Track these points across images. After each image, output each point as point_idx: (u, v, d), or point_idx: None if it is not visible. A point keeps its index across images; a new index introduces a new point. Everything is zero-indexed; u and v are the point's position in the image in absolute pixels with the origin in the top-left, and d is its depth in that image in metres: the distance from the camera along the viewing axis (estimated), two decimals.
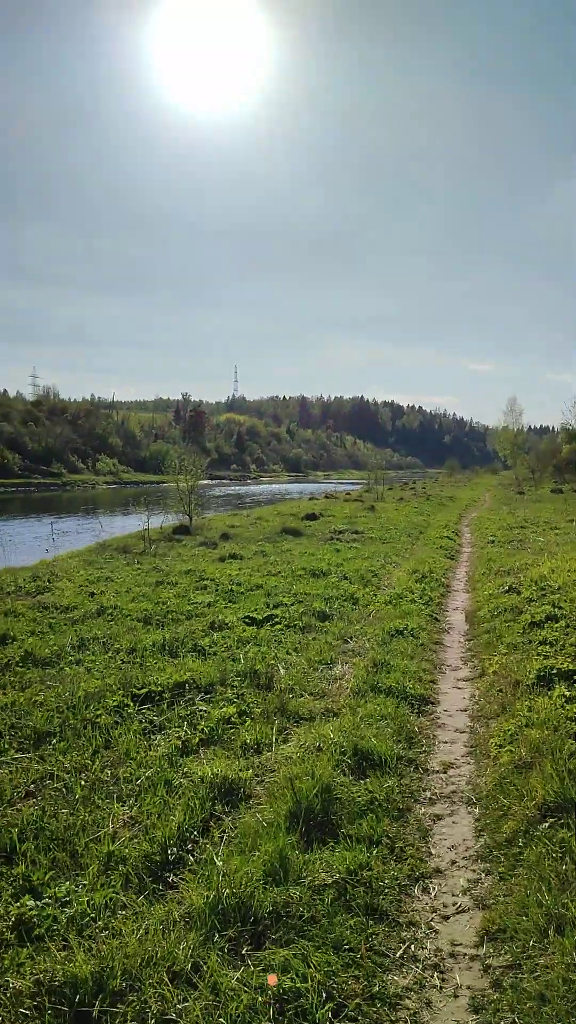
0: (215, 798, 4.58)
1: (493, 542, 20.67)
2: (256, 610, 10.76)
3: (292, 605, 11.14)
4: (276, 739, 5.68)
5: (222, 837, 4.11)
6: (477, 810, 4.62)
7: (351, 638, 9.53)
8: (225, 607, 11.30)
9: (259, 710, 6.33)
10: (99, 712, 6.17)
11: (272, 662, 8.00)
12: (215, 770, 4.87)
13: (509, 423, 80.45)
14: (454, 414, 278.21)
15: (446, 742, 5.91)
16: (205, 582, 13.53)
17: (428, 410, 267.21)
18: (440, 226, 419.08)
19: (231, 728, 5.93)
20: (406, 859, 4.04)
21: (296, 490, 73.96)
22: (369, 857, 3.90)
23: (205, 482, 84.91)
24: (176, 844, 4.01)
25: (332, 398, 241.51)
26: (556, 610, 9.58)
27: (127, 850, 3.94)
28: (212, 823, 4.30)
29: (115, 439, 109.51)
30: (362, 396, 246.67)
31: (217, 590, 12.73)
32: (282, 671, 7.75)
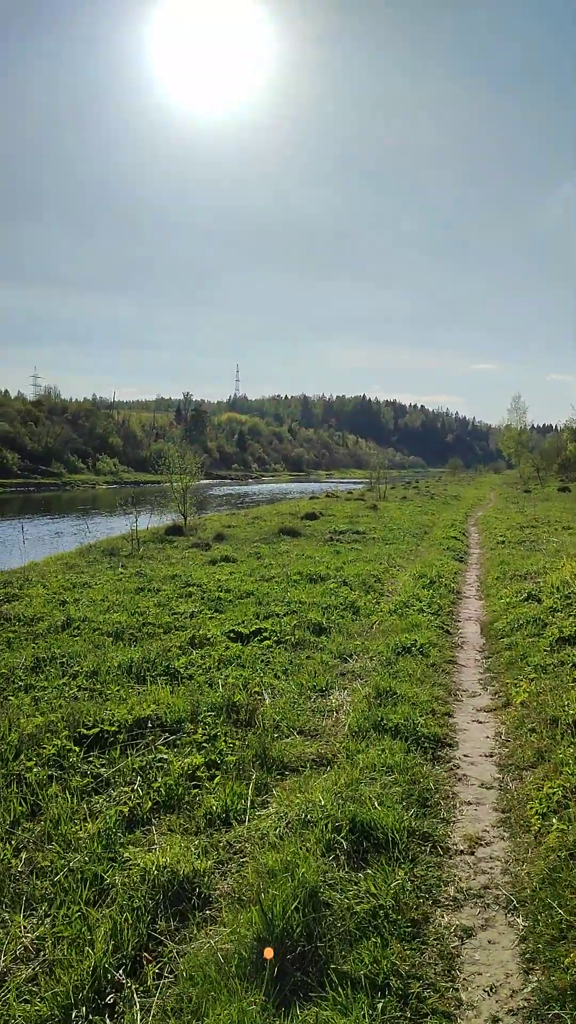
0: (158, 906, 3.31)
1: (503, 543, 19.41)
2: (243, 622, 9.49)
3: (284, 616, 9.88)
4: (252, 803, 4.42)
5: (158, 984, 2.84)
6: (521, 921, 3.34)
7: (351, 656, 8.27)
8: (210, 618, 10.05)
9: (234, 758, 5.06)
10: (32, 763, 4.91)
11: (256, 689, 6.73)
12: (164, 859, 3.60)
13: (513, 421, 79.28)
14: (457, 413, 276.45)
15: (470, 803, 4.63)
16: (191, 588, 12.27)
17: (431, 409, 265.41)
18: (443, 225, 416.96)
19: (195, 787, 4.66)
20: (425, 1016, 2.77)
21: (297, 489, 72.67)
22: (372, 1022, 2.63)
23: (206, 482, 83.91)
24: (88, 999, 2.74)
25: (334, 397, 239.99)
26: None
27: (14, 1009, 2.68)
28: (147, 954, 3.03)
29: (115, 439, 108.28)
30: (364, 395, 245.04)
31: (203, 598, 11.47)
32: (267, 700, 6.49)
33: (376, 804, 4.21)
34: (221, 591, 11.90)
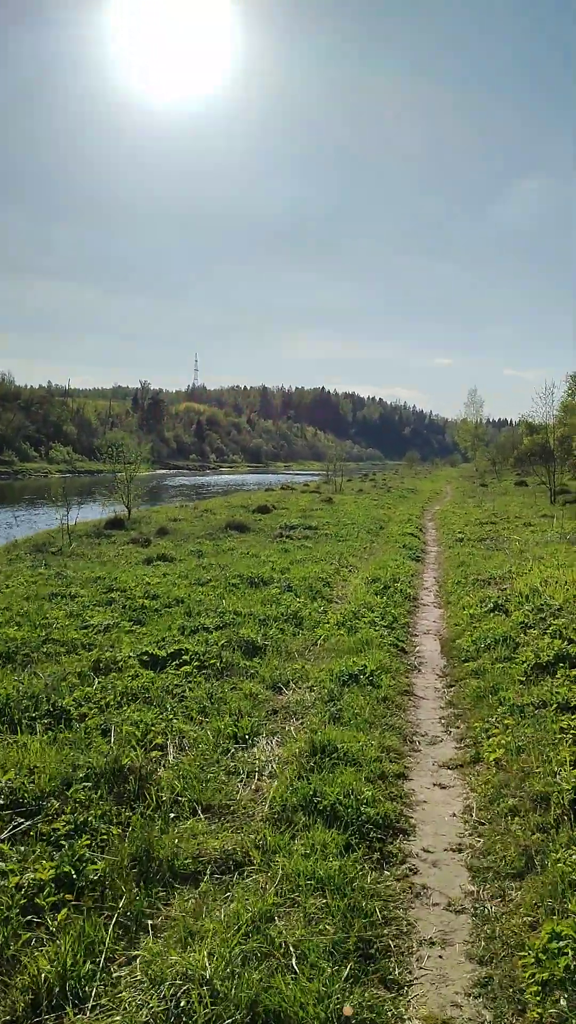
0: None
1: (462, 540, 18.23)
2: (163, 640, 7.98)
3: (215, 631, 8.39)
4: (110, 956, 2.93)
5: None
6: None
7: (287, 685, 6.83)
8: (127, 632, 8.52)
9: (101, 866, 3.56)
10: None
11: (158, 740, 5.24)
12: None
13: (470, 415, 78.89)
14: (414, 406, 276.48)
15: (432, 943, 3.21)
16: (113, 594, 10.69)
17: (389, 402, 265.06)
18: (405, 219, 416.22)
19: (32, 926, 3.14)
20: None
21: (255, 481, 71.08)
22: None
23: (162, 472, 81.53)
24: None
25: (293, 388, 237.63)
26: (568, 645, 7.01)
27: None
28: None
29: (70, 427, 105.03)
30: (323, 387, 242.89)
31: (125, 606, 9.92)
32: (171, 757, 5.00)
33: (294, 963, 2.77)
34: (147, 598, 10.36)
